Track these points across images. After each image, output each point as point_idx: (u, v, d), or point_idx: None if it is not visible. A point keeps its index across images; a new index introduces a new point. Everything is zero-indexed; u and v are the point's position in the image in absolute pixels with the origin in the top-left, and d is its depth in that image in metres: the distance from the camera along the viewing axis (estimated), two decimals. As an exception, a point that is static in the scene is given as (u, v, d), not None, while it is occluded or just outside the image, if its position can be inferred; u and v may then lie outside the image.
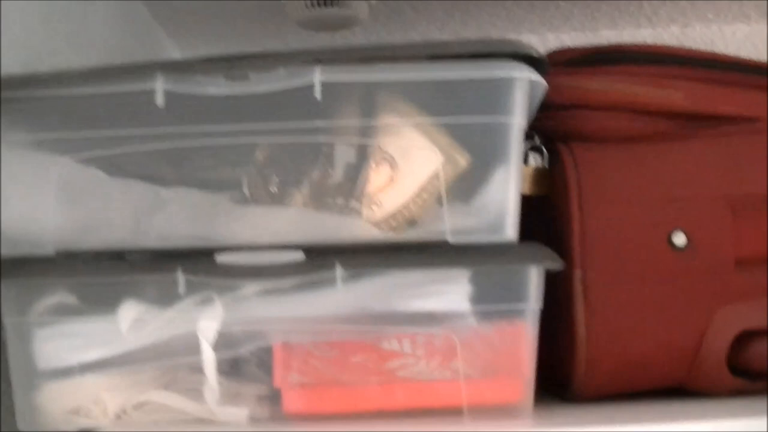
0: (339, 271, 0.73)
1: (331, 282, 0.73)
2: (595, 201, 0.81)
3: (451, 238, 0.73)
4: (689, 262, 0.80)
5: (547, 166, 0.86)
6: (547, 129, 0.86)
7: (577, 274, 0.80)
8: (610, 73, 0.85)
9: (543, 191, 0.86)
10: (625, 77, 0.84)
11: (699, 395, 0.83)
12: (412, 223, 0.75)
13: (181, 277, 0.73)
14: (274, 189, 0.75)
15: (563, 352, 0.82)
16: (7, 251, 0.75)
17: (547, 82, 0.75)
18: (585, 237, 0.80)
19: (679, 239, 0.80)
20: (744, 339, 0.81)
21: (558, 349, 0.82)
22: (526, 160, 0.85)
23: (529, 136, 0.83)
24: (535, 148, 0.86)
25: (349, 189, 0.75)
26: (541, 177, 0.86)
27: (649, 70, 0.85)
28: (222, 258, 0.74)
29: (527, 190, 0.84)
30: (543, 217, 0.85)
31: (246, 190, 0.75)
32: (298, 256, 0.74)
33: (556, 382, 0.84)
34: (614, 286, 0.80)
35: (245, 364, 0.77)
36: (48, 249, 0.75)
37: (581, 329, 0.80)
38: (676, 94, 0.84)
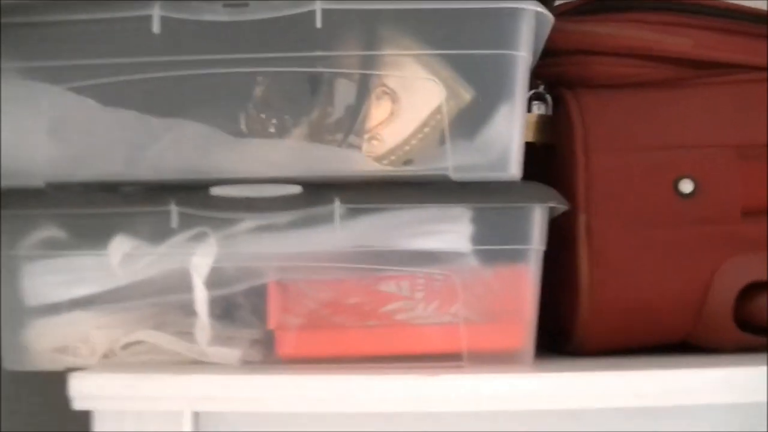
0: (338, 206, 0.71)
1: (328, 218, 0.71)
2: (601, 146, 0.79)
3: (453, 175, 0.71)
4: (696, 210, 0.78)
5: (550, 113, 0.84)
6: (551, 76, 0.84)
7: (582, 219, 0.78)
8: (619, 20, 0.83)
9: (546, 139, 0.84)
10: (634, 24, 0.83)
11: (704, 351, 0.81)
12: (409, 161, 0.72)
13: (174, 211, 0.71)
14: (272, 125, 0.73)
15: (565, 302, 0.80)
16: (-2, 183, 0.73)
17: (555, 27, 0.73)
18: (590, 182, 0.79)
19: (686, 186, 0.78)
20: (750, 292, 0.79)
21: (559, 298, 0.80)
22: (529, 108, 0.83)
23: (532, 83, 0.81)
24: (539, 96, 0.84)
25: (348, 124, 0.73)
26: (544, 124, 0.84)
27: (658, 18, 0.83)
28: (217, 191, 0.71)
29: (530, 138, 0.82)
30: (546, 165, 0.83)
31: (243, 126, 0.73)
32: (296, 189, 0.71)
33: (557, 334, 0.82)
34: (619, 233, 0.78)
35: (237, 308, 0.75)
36: (38, 181, 0.73)
37: (584, 276, 0.78)
38: (685, 41, 0.82)
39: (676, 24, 0.83)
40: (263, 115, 0.73)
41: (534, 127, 0.83)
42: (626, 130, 0.80)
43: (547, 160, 0.83)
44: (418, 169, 0.72)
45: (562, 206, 0.73)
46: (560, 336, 0.81)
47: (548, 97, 0.84)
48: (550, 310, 0.77)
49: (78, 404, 0.69)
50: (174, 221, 0.71)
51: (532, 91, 0.83)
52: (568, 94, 0.81)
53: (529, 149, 0.74)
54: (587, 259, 0.78)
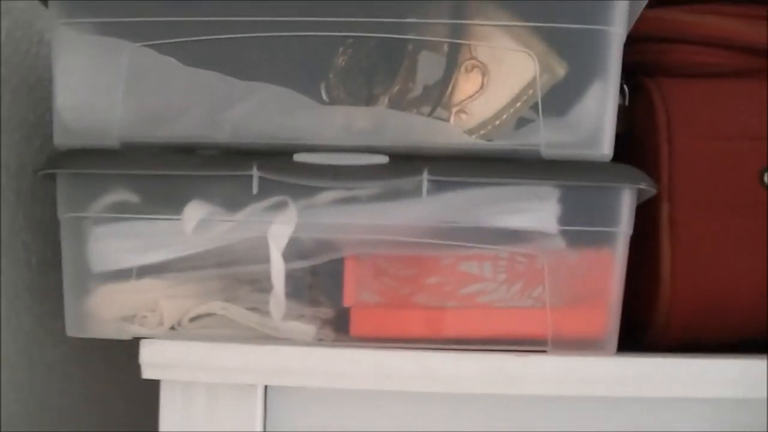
0: (426, 178, 0.68)
1: (415, 191, 0.69)
2: (684, 134, 0.78)
3: (544, 152, 0.69)
4: (781, 202, 0.76)
5: (626, 103, 0.82)
6: (630, 64, 0.82)
7: (665, 207, 0.76)
8: (701, 11, 0.81)
9: (621, 129, 0.82)
10: (716, 14, 0.81)
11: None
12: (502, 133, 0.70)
13: (256, 176, 0.68)
14: (356, 94, 0.70)
15: (643, 292, 0.77)
16: (66, 142, 0.70)
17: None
18: (674, 170, 0.77)
19: (771, 178, 0.76)
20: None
21: (636, 289, 0.77)
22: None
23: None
24: (615, 85, 0.81)
25: (435, 97, 0.71)
26: (619, 114, 0.82)
27: (739, 9, 0.81)
28: (301, 158, 0.69)
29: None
30: (619, 156, 0.80)
31: (324, 95, 0.71)
32: (383, 159, 0.69)
33: (632, 326, 0.79)
34: (702, 222, 0.76)
35: (312, 283, 0.72)
36: (112, 141, 0.70)
37: (666, 266, 0.76)
38: (766, 32, 0.80)
39: (757, 16, 0.81)
40: (347, 80, 0.70)
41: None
42: (709, 118, 0.78)
43: (620, 150, 0.81)
44: (509, 144, 0.69)
45: (651, 189, 0.71)
46: (636, 328, 0.78)
47: (625, 87, 0.82)
48: (625, 301, 0.74)
49: (147, 373, 0.66)
50: (255, 187, 0.68)
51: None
52: (649, 82, 0.79)
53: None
54: (669, 249, 0.76)
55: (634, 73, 0.82)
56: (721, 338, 0.77)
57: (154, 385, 0.67)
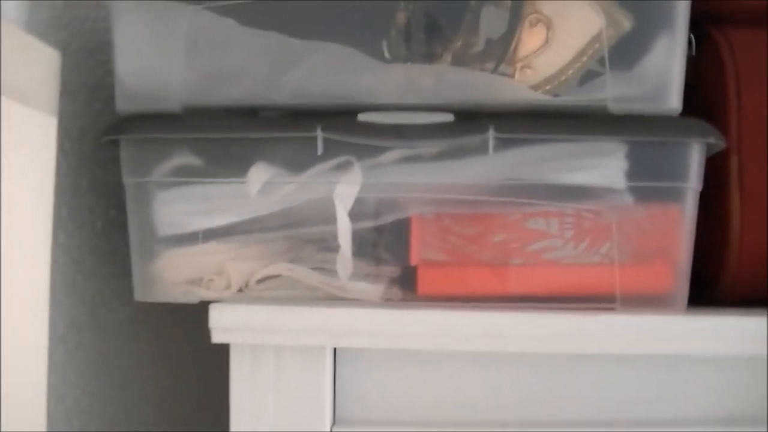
0: (492, 135, 0.67)
1: (481, 148, 0.68)
2: (754, 86, 0.75)
3: (612, 106, 0.68)
4: None
5: (693, 54, 0.80)
6: (695, 13, 0.79)
7: (734, 161, 0.75)
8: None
9: (688, 81, 0.80)
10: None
11: None
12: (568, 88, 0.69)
13: (320, 137, 0.68)
14: (417, 51, 0.69)
15: (712, 248, 0.76)
16: (128, 107, 0.70)
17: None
18: (743, 123, 0.75)
19: None
20: None
21: (705, 244, 0.76)
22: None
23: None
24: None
25: (499, 52, 0.69)
26: (686, 66, 0.80)
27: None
28: (365, 117, 0.68)
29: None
30: (686, 107, 0.78)
31: (386, 53, 0.70)
32: (448, 117, 0.68)
33: (700, 282, 0.78)
34: (772, 176, 0.74)
35: (379, 242, 0.71)
36: (174, 104, 0.70)
37: (735, 220, 0.75)
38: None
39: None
40: (408, 38, 0.69)
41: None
42: (779, 69, 0.76)
43: (686, 102, 0.79)
44: (575, 99, 0.68)
45: (720, 143, 0.69)
46: (704, 284, 0.77)
47: (691, 37, 0.80)
48: (694, 256, 0.73)
49: (217, 337, 0.66)
50: (319, 148, 0.68)
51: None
52: (715, 32, 0.77)
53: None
54: (739, 203, 0.74)
55: (699, 23, 0.80)
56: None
57: (223, 348, 0.67)
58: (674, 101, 0.68)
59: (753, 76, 0.75)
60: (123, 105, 0.70)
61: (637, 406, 0.68)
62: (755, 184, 0.74)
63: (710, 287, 0.77)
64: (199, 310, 0.68)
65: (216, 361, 0.71)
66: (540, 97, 0.68)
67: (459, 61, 0.69)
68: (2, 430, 0.58)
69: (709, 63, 0.77)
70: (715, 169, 0.74)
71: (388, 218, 0.70)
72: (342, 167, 0.68)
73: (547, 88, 0.69)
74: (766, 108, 0.75)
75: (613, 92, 0.68)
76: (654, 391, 0.68)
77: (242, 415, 0.67)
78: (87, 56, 0.77)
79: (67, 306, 0.75)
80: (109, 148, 0.73)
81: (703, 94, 0.78)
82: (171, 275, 0.70)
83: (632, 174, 0.69)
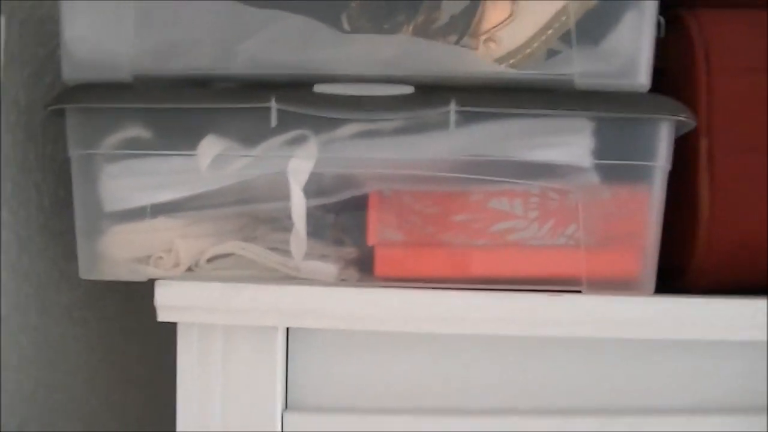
0: (453, 108, 0.64)
1: (442, 123, 0.65)
2: (724, 67, 0.73)
3: (578, 81, 0.65)
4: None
5: (662, 35, 0.78)
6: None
7: (703, 143, 0.73)
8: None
9: (657, 63, 0.78)
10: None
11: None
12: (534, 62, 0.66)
13: (274, 108, 0.65)
14: (378, 22, 0.67)
15: (679, 233, 0.74)
16: (75, 75, 0.67)
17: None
18: (712, 105, 0.73)
19: (817, 112, 0.72)
20: None
21: (672, 229, 0.74)
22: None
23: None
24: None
25: (462, 25, 0.67)
26: (656, 47, 0.78)
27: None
28: (321, 88, 0.65)
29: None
30: (656, 90, 0.76)
31: (345, 25, 0.67)
32: (408, 90, 0.65)
33: (668, 267, 0.76)
34: (742, 159, 0.72)
35: (335, 221, 0.68)
36: (124, 74, 0.67)
37: (704, 205, 0.72)
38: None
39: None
40: (365, 16, 0.67)
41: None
42: (749, 51, 0.74)
43: (656, 85, 0.77)
44: (541, 73, 0.66)
45: (691, 121, 0.67)
46: (672, 271, 0.75)
47: (660, 18, 0.77)
48: (661, 241, 0.71)
49: (163, 315, 0.63)
50: (273, 120, 0.65)
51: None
52: (686, 14, 0.75)
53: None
54: (708, 186, 0.72)
55: (670, 5, 0.78)
56: (760, 280, 0.74)
57: (171, 328, 0.64)
58: (643, 77, 0.66)
59: (723, 58, 0.74)
60: (70, 74, 0.67)
61: (607, 393, 0.66)
62: (725, 168, 0.72)
63: (678, 275, 0.75)
64: (151, 292, 0.65)
65: (166, 344, 0.68)
66: (504, 71, 0.66)
67: (421, 34, 0.67)
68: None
69: (679, 45, 0.75)
70: (684, 152, 0.72)
71: (344, 195, 0.67)
72: (297, 141, 0.66)
73: (512, 61, 0.66)
74: (736, 90, 0.73)
75: (579, 67, 0.66)
76: (623, 378, 0.66)
77: (189, 400, 0.65)
78: (37, 26, 0.74)
79: (10, 287, 0.71)
80: (59, 122, 0.70)
81: (673, 77, 0.76)
82: (117, 252, 0.67)
83: (599, 152, 0.67)
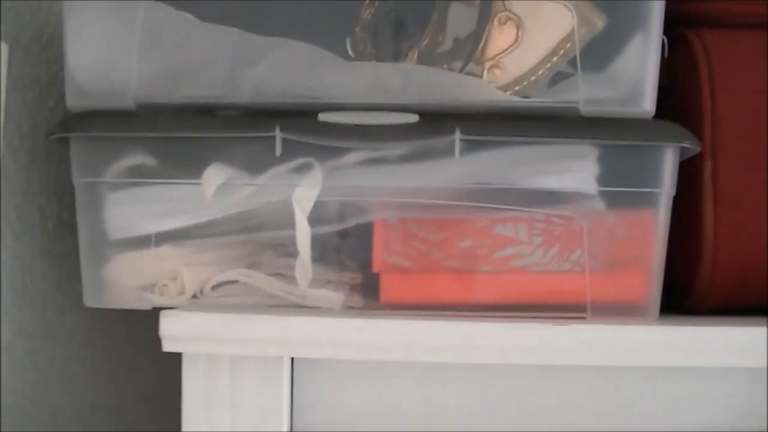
0: (458, 137, 0.64)
1: (447, 150, 0.65)
2: (728, 88, 0.73)
3: (583, 109, 0.65)
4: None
5: (666, 56, 0.78)
6: (669, 15, 0.77)
7: (708, 165, 0.73)
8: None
9: (661, 83, 0.78)
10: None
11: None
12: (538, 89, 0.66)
13: (279, 137, 0.65)
14: (383, 49, 0.67)
15: (684, 254, 0.74)
16: (79, 103, 0.67)
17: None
18: (717, 126, 0.73)
19: (820, 134, 0.72)
20: None
21: (677, 250, 0.74)
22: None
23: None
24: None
25: (467, 51, 0.67)
26: (660, 68, 0.78)
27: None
28: (326, 117, 0.65)
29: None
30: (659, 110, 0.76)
31: (350, 50, 0.67)
32: (413, 118, 0.65)
33: (673, 289, 0.76)
34: (747, 180, 0.72)
35: (340, 248, 0.68)
36: (128, 101, 0.66)
37: (709, 226, 0.73)
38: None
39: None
40: (373, 36, 0.66)
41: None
42: (753, 72, 0.74)
43: (659, 104, 0.77)
44: (546, 101, 0.66)
45: (695, 147, 0.67)
46: (677, 292, 0.75)
47: (664, 39, 0.77)
48: (666, 263, 0.70)
49: (168, 346, 0.63)
50: (278, 149, 0.65)
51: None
52: (690, 34, 0.75)
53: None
54: (712, 209, 0.72)
55: (674, 25, 0.78)
56: (765, 299, 0.74)
57: (177, 356, 0.64)
58: (648, 104, 0.66)
59: (727, 79, 0.74)
60: (74, 101, 0.67)
61: (614, 419, 0.66)
62: (729, 189, 0.72)
63: (683, 296, 0.75)
64: (155, 316, 0.65)
65: (173, 369, 0.68)
66: (509, 98, 0.66)
67: (425, 60, 0.67)
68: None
69: (683, 65, 0.75)
70: (688, 173, 0.72)
71: (350, 223, 0.67)
72: (302, 169, 0.65)
73: (517, 88, 0.66)
74: (741, 111, 0.73)
75: (585, 94, 0.65)
76: (631, 403, 0.66)
77: (197, 427, 0.64)
78: (40, 50, 0.74)
79: (14, 311, 0.71)
80: (63, 147, 0.70)
81: (677, 97, 0.76)
82: (122, 280, 0.67)
83: (604, 179, 0.66)
